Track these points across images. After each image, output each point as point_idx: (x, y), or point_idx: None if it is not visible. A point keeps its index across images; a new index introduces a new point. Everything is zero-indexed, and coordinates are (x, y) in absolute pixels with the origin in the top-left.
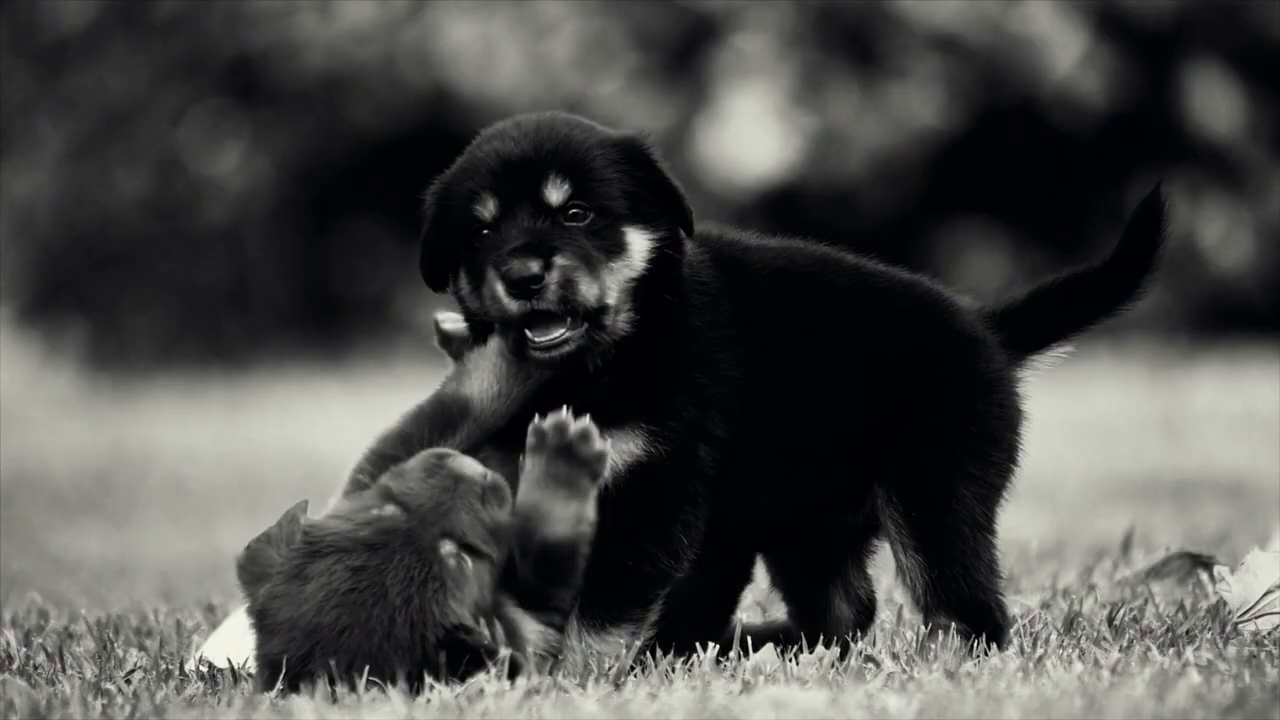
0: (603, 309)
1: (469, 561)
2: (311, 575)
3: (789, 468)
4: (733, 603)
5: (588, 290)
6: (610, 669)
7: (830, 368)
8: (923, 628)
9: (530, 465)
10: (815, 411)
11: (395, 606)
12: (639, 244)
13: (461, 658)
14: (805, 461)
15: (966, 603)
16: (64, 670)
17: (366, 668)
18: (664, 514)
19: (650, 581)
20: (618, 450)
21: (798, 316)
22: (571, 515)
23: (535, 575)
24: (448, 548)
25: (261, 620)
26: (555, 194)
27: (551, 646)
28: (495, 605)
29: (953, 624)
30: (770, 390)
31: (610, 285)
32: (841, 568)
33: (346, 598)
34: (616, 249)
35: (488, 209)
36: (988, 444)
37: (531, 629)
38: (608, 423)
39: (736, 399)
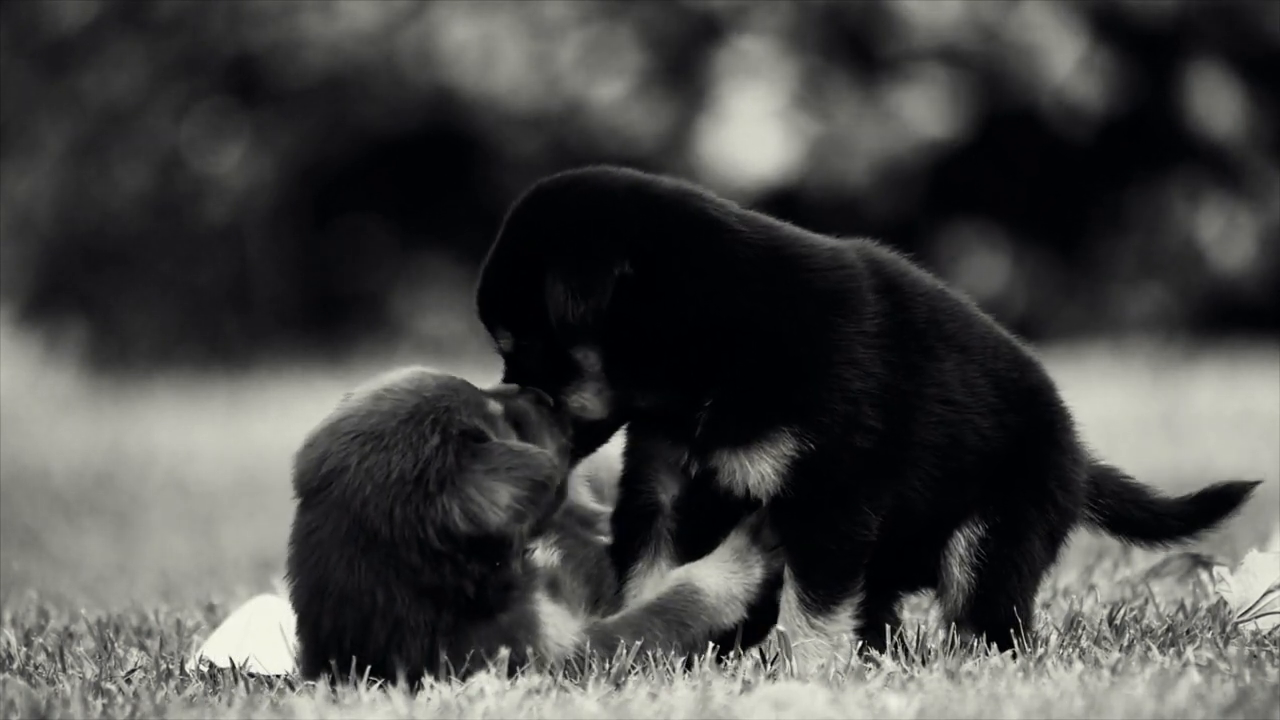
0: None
1: (513, 435)
2: (352, 395)
3: (930, 474)
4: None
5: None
6: (611, 669)
7: (970, 386)
8: (942, 631)
9: (728, 538)
10: (954, 426)
11: (424, 398)
12: (589, 357)
13: (477, 454)
14: (941, 474)
15: (1000, 625)
16: (64, 670)
17: (379, 455)
18: (843, 497)
19: (853, 557)
20: (770, 458)
21: (950, 334)
22: (724, 586)
23: (653, 600)
24: (496, 406)
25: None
26: (504, 344)
27: (582, 652)
28: (526, 587)
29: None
30: (922, 398)
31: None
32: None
33: (377, 393)
34: (568, 372)
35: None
36: (1068, 497)
37: (570, 633)
38: (746, 440)
39: (890, 396)
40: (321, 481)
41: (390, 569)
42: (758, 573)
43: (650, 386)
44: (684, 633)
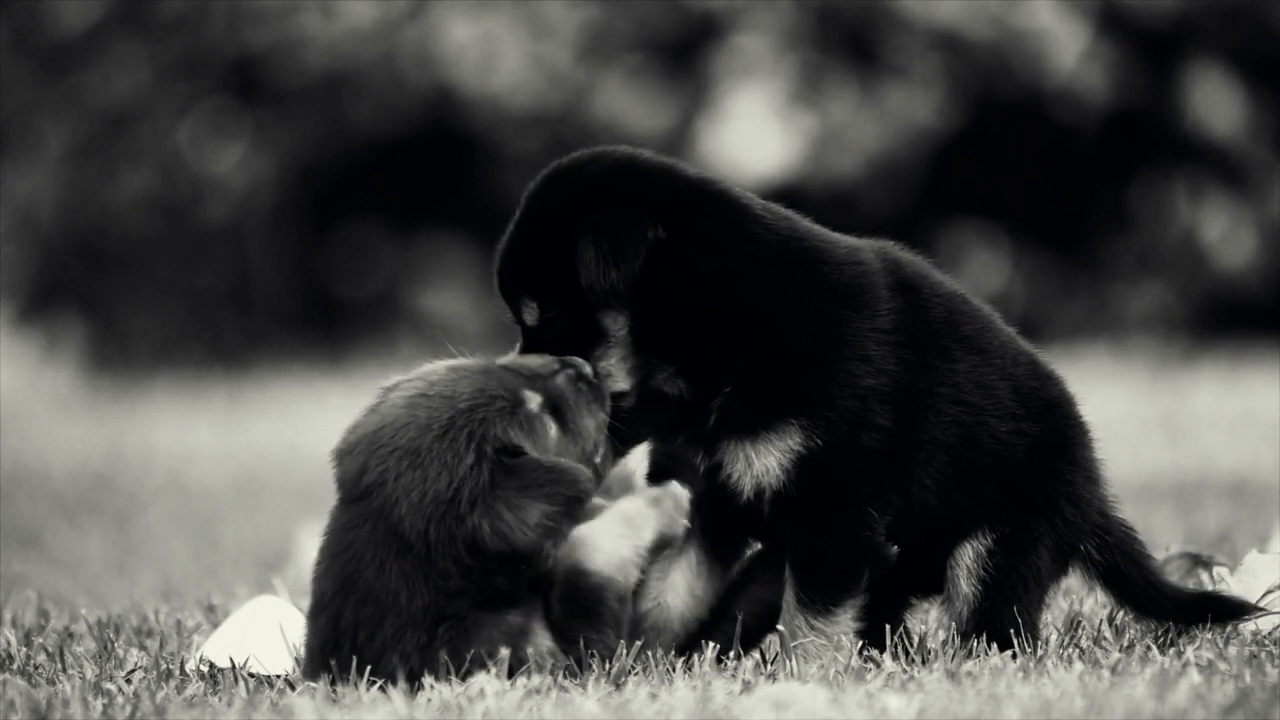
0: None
1: (552, 425)
2: (390, 395)
3: (943, 474)
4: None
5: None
6: (611, 670)
7: (987, 389)
8: (942, 632)
9: (619, 502)
10: (968, 427)
11: (459, 410)
12: (617, 322)
13: (512, 474)
14: (955, 474)
15: (1005, 638)
16: (64, 670)
17: (415, 473)
18: (847, 496)
19: (855, 559)
20: (777, 451)
21: (967, 336)
22: (616, 553)
23: (559, 605)
24: (534, 398)
25: (338, 447)
26: (529, 316)
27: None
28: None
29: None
30: (935, 397)
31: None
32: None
33: (413, 400)
34: (594, 337)
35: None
36: (1079, 514)
37: (544, 647)
38: (754, 431)
39: (902, 393)
40: (361, 493)
41: (420, 575)
42: (647, 535)
43: (671, 361)
44: (598, 623)
